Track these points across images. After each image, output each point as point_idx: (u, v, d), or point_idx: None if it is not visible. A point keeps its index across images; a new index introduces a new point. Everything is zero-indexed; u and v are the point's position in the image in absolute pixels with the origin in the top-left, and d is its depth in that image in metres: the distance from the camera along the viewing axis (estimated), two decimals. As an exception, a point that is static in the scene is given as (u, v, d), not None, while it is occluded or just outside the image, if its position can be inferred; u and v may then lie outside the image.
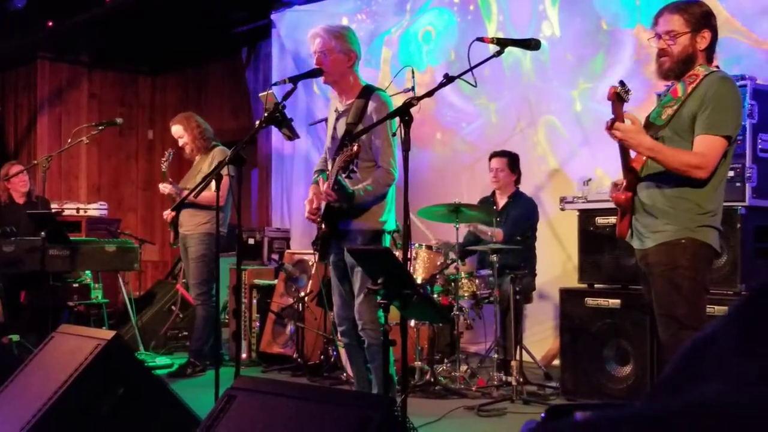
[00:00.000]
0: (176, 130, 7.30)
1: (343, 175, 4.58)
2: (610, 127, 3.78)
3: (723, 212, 3.97)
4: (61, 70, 12.38)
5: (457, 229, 6.49)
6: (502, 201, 7.14)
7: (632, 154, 3.95)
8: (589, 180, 6.24)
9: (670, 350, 3.86)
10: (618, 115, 3.77)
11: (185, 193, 6.48)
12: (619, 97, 3.74)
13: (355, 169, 4.61)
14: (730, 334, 0.81)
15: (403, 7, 9.21)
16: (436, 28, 8.90)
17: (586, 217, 6.02)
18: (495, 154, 7.22)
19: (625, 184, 4.00)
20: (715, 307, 4.94)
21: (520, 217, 6.95)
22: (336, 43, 4.86)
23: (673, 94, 3.93)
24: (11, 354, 6.76)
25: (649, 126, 3.97)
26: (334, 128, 5.00)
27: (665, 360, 4.05)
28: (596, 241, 5.95)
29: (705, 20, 3.88)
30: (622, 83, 3.76)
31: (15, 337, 7.15)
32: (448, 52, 8.77)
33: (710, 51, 3.91)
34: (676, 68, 3.90)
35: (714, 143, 3.74)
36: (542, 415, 1.12)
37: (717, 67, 3.94)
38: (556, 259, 7.32)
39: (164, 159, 7.31)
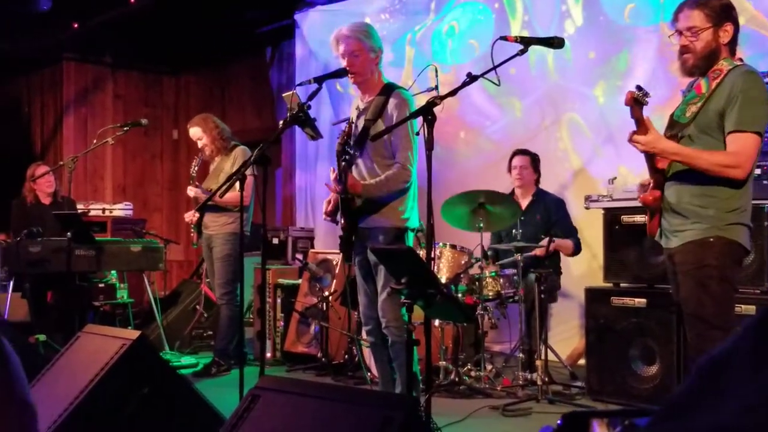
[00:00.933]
0: (195, 132, 7.32)
1: (341, 159, 4.62)
2: (631, 139, 3.76)
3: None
4: (86, 71, 12.47)
5: (480, 229, 6.45)
6: (524, 200, 7.12)
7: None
8: (614, 178, 6.20)
9: (697, 350, 3.80)
10: (638, 119, 3.73)
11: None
12: (637, 102, 3.70)
13: (349, 151, 4.64)
14: (744, 351, 0.78)
15: (427, 6, 9.19)
16: (461, 26, 8.88)
17: (612, 215, 5.99)
18: (518, 152, 7.22)
19: (652, 183, 3.96)
20: (743, 306, 4.91)
21: (549, 219, 6.95)
22: (365, 43, 4.86)
23: (696, 90, 3.87)
24: (38, 354, 6.80)
25: (673, 124, 3.92)
26: (355, 125, 5.00)
27: (693, 359, 3.98)
28: (622, 239, 5.91)
29: (726, 13, 3.82)
30: (639, 87, 3.72)
31: (41, 337, 7.19)
32: (472, 51, 8.75)
33: (733, 44, 3.85)
34: (700, 64, 3.84)
35: (747, 140, 3.67)
36: (558, 422, 1.09)
37: (740, 59, 3.87)
38: (581, 258, 7.28)
39: (194, 163, 7.34)
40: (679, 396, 0.80)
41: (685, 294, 3.85)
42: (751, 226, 3.87)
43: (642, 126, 3.75)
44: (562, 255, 7.04)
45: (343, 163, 4.70)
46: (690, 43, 3.83)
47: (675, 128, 3.88)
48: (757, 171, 4.73)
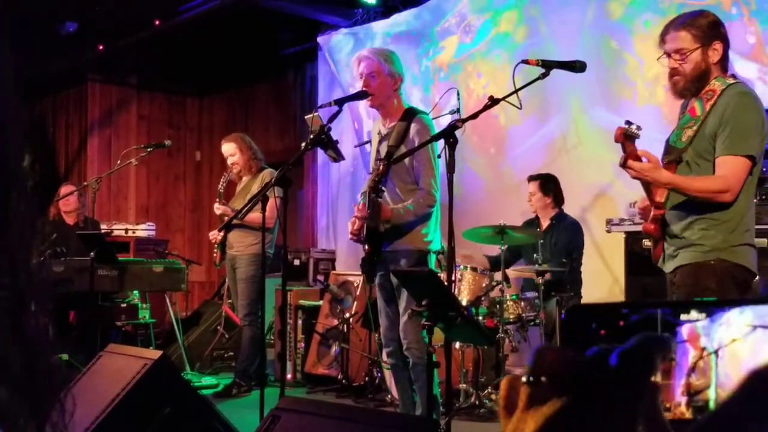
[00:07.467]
0: (228, 148, 7.32)
1: (373, 195, 4.60)
2: (623, 165, 3.63)
3: (757, 234, 3.79)
4: (110, 92, 12.56)
5: (503, 250, 6.46)
6: (545, 223, 7.11)
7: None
8: (635, 202, 6.19)
9: None
10: (630, 153, 3.60)
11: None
12: (628, 137, 3.60)
13: (383, 188, 4.63)
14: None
15: (450, 31, 9.20)
16: (484, 51, 8.88)
17: (633, 239, 5.98)
18: (529, 179, 7.22)
19: (653, 214, 3.84)
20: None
21: (566, 243, 6.91)
22: (384, 66, 4.87)
23: (691, 113, 3.76)
24: (60, 373, 6.84)
25: (670, 150, 3.82)
26: (377, 151, 5.02)
27: None
28: (643, 263, 5.89)
29: (714, 31, 3.70)
30: (628, 122, 3.60)
31: (64, 356, 7.22)
32: (495, 75, 8.74)
33: (724, 61, 3.74)
34: (690, 87, 3.73)
35: (736, 165, 3.57)
36: (562, 316, 0.93)
37: (733, 76, 3.76)
38: (602, 282, 7.26)
39: (222, 180, 7.35)
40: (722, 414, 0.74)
41: None
42: (755, 246, 3.72)
43: (635, 156, 3.63)
44: (583, 278, 7.01)
45: (373, 195, 4.68)
46: (679, 65, 3.72)
47: (672, 154, 3.78)
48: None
